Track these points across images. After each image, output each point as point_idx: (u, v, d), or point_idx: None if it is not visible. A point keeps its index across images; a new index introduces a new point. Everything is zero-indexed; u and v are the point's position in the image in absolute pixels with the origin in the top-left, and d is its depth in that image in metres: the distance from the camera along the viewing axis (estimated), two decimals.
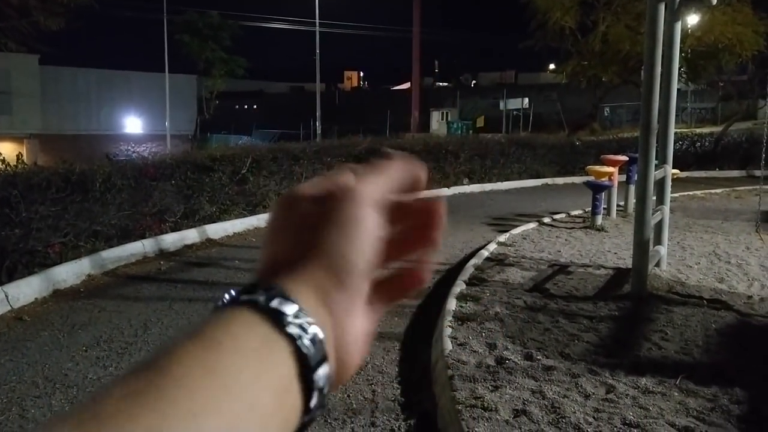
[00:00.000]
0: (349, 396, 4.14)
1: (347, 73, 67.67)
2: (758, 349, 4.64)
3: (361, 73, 70.37)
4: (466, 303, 5.70)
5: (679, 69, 20.83)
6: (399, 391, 4.24)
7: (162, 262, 7.85)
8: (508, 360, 4.37)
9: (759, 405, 3.71)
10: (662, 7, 5.97)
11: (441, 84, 57.92)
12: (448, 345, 4.64)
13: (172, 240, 8.50)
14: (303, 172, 11.46)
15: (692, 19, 18.68)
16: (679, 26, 6.84)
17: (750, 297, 5.95)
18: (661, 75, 6.41)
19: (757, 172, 14.91)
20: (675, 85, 6.93)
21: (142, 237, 8.15)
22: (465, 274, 6.67)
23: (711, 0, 6.84)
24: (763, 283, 6.39)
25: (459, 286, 6.20)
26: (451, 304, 5.60)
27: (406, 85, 40.59)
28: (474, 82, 60.30)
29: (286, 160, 11.27)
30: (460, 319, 5.23)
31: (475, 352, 4.53)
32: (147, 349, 5.03)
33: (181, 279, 7.19)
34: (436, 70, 65.15)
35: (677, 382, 3.97)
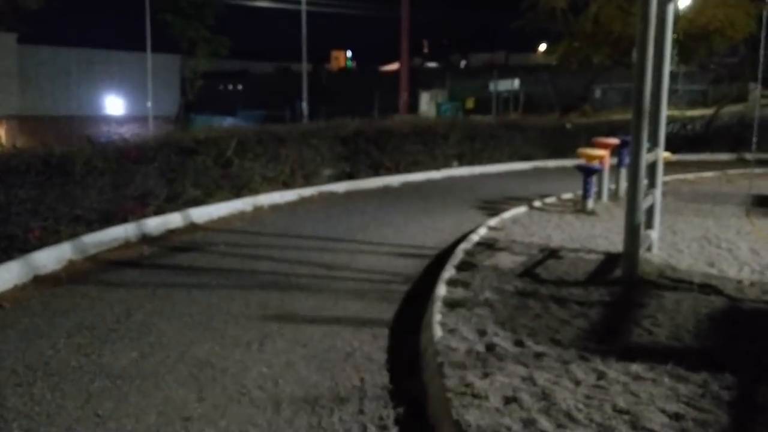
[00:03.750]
0: (336, 384, 4.07)
1: (334, 53, 66.96)
2: (748, 335, 4.60)
3: (350, 53, 69.75)
4: (456, 288, 5.63)
5: (671, 51, 20.71)
6: (388, 378, 4.17)
7: (145, 247, 7.73)
8: (499, 346, 4.31)
9: (749, 391, 3.67)
10: None
11: (430, 65, 57.55)
12: (438, 331, 4.57)
13: (155, 224, 8.37)
14: (289, 155, 11.33)
15: (684, 1, 18.58)
16: (671, 8, 6.74)
17: (740, 281, 5.92)
18: (653, 57, 6.32)
19: (748, 156, 14.94)
20: (667, 68, 6.85)
21: (125, 221, 8.01)
22: (455, 259, 6.60)
23: None
24: (754, 268, 6.36)
25: (449, 272, 6.13)
26: (441, 290, 5.53)
27: (395, 66, 40.27)
28: (464, 62, 59.93)
29: (272, 143, 11.13)
30: (450, 304, 5.16)
31: (465, 338, 4.46)
32: (130, 336, 4.93)
33: (164, 264, 7.09)
34: (426, 51, 64.76)
35: (668, 368, 3.91)
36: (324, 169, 12.15)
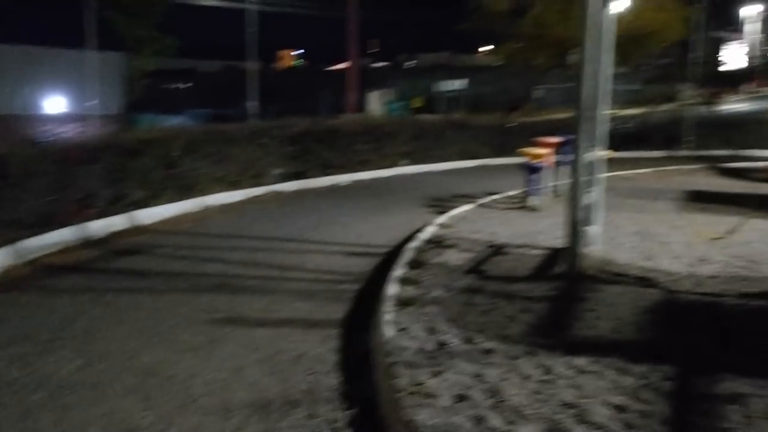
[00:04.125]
0: (287, 387, 4.08)
1: (280, 53, 66.48)
2: (684, 325, 4.81)
3: (298, 53, 69.33)
4: (406, 287, 5.69)
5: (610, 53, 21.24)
6: (339, 379, 4.20)
7: (88, 251, 7.56)
8: (449, 344, 4.39)
9: (687, 381, 3.84)
10: None
11: (379, 64, 57.65)
12: (388, 331, 4.62)
13: (98, 227, 8.19)
14: (238, 154, 11.23)
15: (624, 5, 19.14)
16: (609, 12, 6.94)
17: (676, 274, 6.15)
18: (594, 59, 6.51)
19: (681, 152, 15.54)
20: (608, 69, 7.05)
21: (67, 224, 7.81)
22: (405, 257, 6.67)
23: None
24: (688, 261, 6.62)
25: (399, 270, 6.19)
26: (391, 289, 5.59)
27: (343, 65, 40.21)
28: (412, 62, 60.24)
29: (220, 142, 11.00)
30: (400, 303, 5.22)
31: (415, 337, 4.53)
32: (72, 344, 4.82)
33: (108, 268, 6.94)
34: (374, 50, 64.78)
35: (610, 362, 4.05)
36: (274, 169, 12.08)
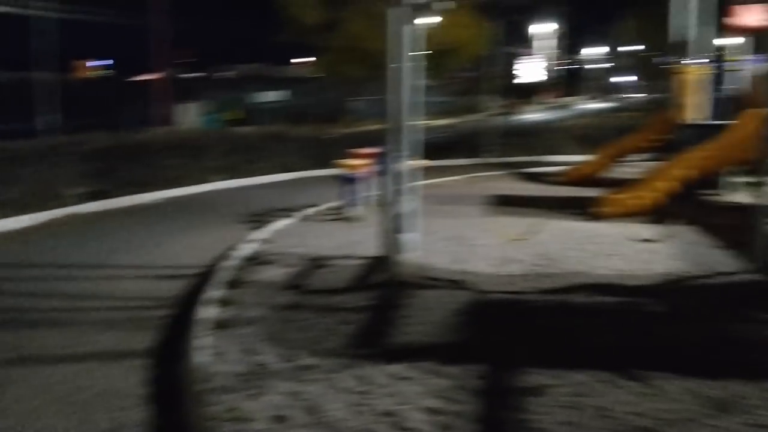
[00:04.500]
0: (87, 429, 3.72)
1: (77, 62, 62.09)
2: (492, 324, 5.08)
3: (102, 63, 65.15)
4: (221, 308, 5.49)
5: (423, 66, 22.18)
6: (148, 414, 3.93)
7: None
8: (266, 364, 4.28)
9: (496, 377, 4.05)
10: (398, 11, 6.27)
11: (192, 75, 55.86)
12: (202, 356, 4.42)
13: None
14: (29, 175, 10.24)
15: (430, 22, 20.12)
16: (416, 29, 7.23)
17: (484, 275, 6.51)
18: (404, 72, 6.74)
19: (488, 160, 16.59)
20: (418, 81, 7.32)
21: None
22: (220, 277, 6.44)
23: (443, 5, 7.32)
24: (496, 262, 7.04)
25: (213, 291, 5.96)
26: (205, 311, 5.36)
27: (153, 76, 38.38)
28: (227, 73, 59.12)
29: (4, 161, 9.95)
30: (215, 326, 5.02)
31: (231, 360, 4.37)
32: None
33: None
34: (186, 60, 62.64)
35: (425, 366, 4.17)
36: (73, 189, 11.15)
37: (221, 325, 5.04)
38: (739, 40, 12.29)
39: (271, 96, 36.08)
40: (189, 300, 6.09)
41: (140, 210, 11.42)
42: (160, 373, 4.54)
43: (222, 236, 8.94)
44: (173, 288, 6.61)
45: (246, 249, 7.73)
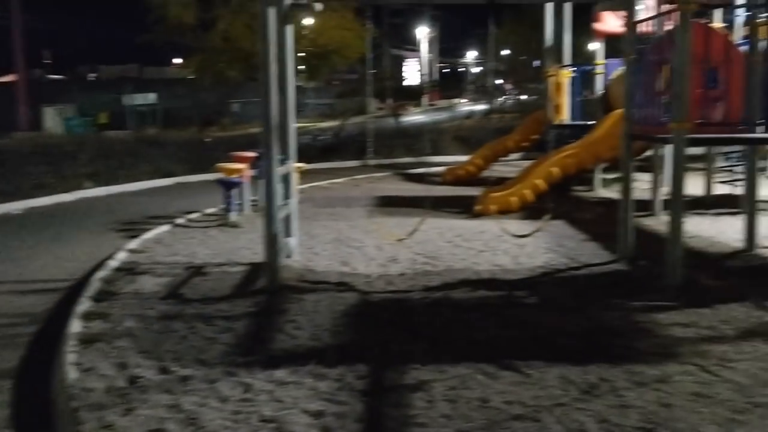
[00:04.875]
0: None
1: None
2: (377, 323, 5.12)
3: None
4: (93, 322, 5.20)
5: (297, 68, 22.12)
6: None
7: None
8: (142, 378, 4.09)
9: (379, 376, 4.08)
10: (273, 11, 6.18)
11: (54, 77, 52.70)
12: (72, 373, 4.17)
13: None
14: None
15: (305, 22, 20.08)
16: (290, 29, 7.17)
17: (369, 276, 6.57)
18: (279, 74, 6.66)
19: (371, 162, 16.76)
20: (292, 84, 7.26)
21: None
22: (90, 290, 6.10)
23: (316, 6, 7.31)
24: (379, 262, 7.11)
25: (83, 304, 5.64)
26: (74, 326, 5.06)
27: (10, 78, 35.81)
28: (94, 75, 56.20)
29: None
30: (86, 341, 4.75)
31: (103, 375, 4.14)
32: None
33: None
34: (48, 61, 59.12)
35: (309, 369, 4.15)
36: None
37: (94, 339, 4.78)
38: (599, 44, 13.07)
39: (144, 98, 34.62)
40: (60, 314, 5.74)
41: (5, 221, 10.62)
42: (27, 394, 4.24)
43: (95, 246, 8.49)
44: (40, 303, 6.20)
45: (120, 259, 7.37)
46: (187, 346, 4.62)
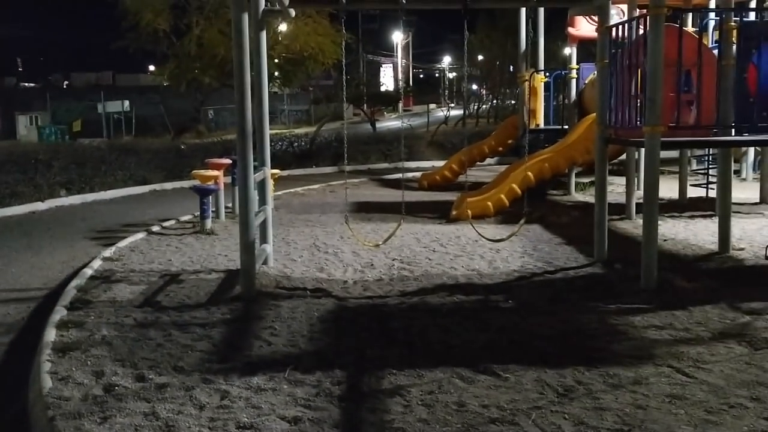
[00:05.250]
0: None
1: None
2: (353, 329, 5.12)
3: None
4: (68, 331, 5.14)
5: (272, 74, 22.08)
6: None
7: None
8: (118, 386, 4.05)
9: (356, 382, 4.08)
10: (246, 17, 6.16)
11: (27, 84, 52.07)
12: (47, 382, 4.12)
13: None
14: None
15: (280, 29, 20.05)
16: (264, 35, 7.16)
17: (345, 282, 6.57)
18: (253, 80, 6.65)
19: (347, 167, 16.75)
20: (266, 90, 7.25)
21: None
22: (65, 299, 6.02)
23: (290, 13, 7.30)
24: (356, 268, 7.11)
25: (58, 313, 5.57)
26: (50, 335, 4.99)
27: None
28: (66, 82, 55.56)
29: None
30: (61, 350, 4.69)
31: (79, 384, 4.10)
32: None
33: None
34: (21, 69, 58.41)
35: (286, 375, 4.14)
36: None
37: (70, 347, 4.73)
38: (573, 48, 13.23)
39: (119, 105, 34.31)
40: (35, 323, 5.67)
41: None
42: (4, 403, 4.18)
43: (67, 255, 8.39)
44: (13, 312, 6.12)
45: (96, 267, 7.29)
46: (163, 354, 4.58)
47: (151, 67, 29.27)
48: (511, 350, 4.57)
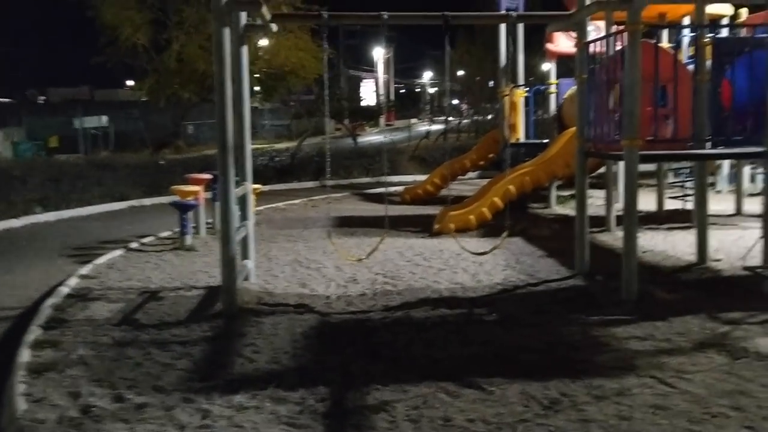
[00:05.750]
0: None
1: None
2: (337, 345, 5.07)
3: None
4: (44, 351, 5.02)
5: (253, 89, 22.05)
6: None
7: None
8: (95, 407, 3.96)
9: (340, 398, 4.03)
10: (227, 31, 6.14)
11: (3, 100, 51.47)
12: (22, 404, 4.01)
13: None
14: None
15: (261, 44, 20.04)
16: (245, 50, 7.14)
17: (328, 297, 6.51)
18: (235, 95, 6.61)
19: (328, 182, 16.71)
20: (248, 105, 7.21)
21: None
22: (41, 317, 5.90)
23: (272, 27, 7.28)
24: (338, 283, 7.06)
25: (33, 333, 5.45)
26: (24, 355, 4.88)
27: None
28: (43, 98, 55.04)
29: None
30: (36, 371, 4.58)
31: (55, 406, 4.00)
32: None
33: None
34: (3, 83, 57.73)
35: (269, 393, 4.07)
36: None
37: (45, 368, 4.62)
38: (552, 64, 13.37)
39: (96, 121, 33.99)
40: (9, 343, 5.52)
41: None
42: None
43: (46, 272, 8.24)
44: None
45: (72, 285, 7.16)
46: (142, 373, 4.50)
47: (130, 82, 29.01)
48: (496, 363, 4.55)
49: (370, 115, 44.07)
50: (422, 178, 16.29)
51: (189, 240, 9.31)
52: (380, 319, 5.75)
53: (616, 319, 5.48)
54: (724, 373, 4.26)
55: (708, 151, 7.03)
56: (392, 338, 5.17)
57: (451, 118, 36.85)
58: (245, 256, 7.16)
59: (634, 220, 6.15)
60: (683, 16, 10.11)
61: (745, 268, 6.29)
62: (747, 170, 12.19)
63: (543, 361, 4.58)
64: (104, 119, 34.00)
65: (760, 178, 13.04)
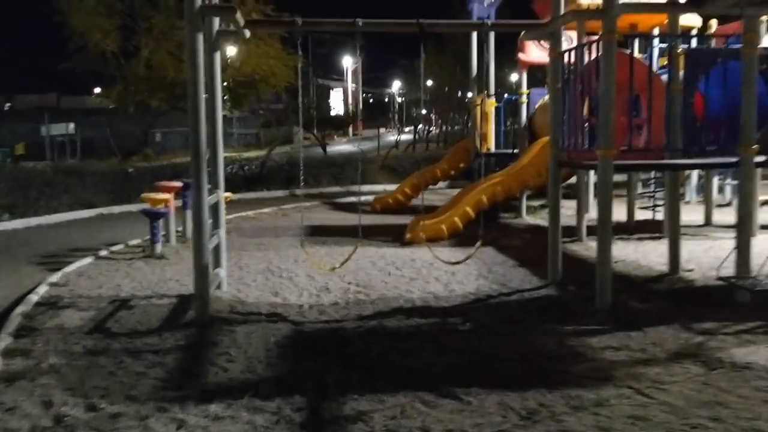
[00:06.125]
0: None
1: None
2: (311, 354, 5.04)
3: None
4: (14, 359, 4.92)
5: (223, 97, 21.90)
6: None
7: None
8: (68, 416, 3.89)
9: (317, 408, 4.00)
10: (200, 37, 6.09)
11: None
12: None
13: None
14: None
15: (231, 51, 19.89)
16: (218, 56, 7.09)
17: (301, 306, 6.48)
18: (207, 102, 6.55)
19: (298, 191, 16.66)
20: (220, 112, 7.17)
21: None
22: (10, 326, 5.77)
23: (244, 34, 7.25)
24: (311, 292, 7.03)
25: (3, 341, 5.33)
26: None
27: None
28: (9, 104, 53.95)
29: None
30: (7, 379, 4.48)
31: (27, 415, 3.92)
32: None
33: None
34: None
35: (244, 402, 4.03)
36: None
37: (16, 377, 4.53)
38: (523, 74, 13.51)
39: (63, 128, 33.43)
40: None
41: None
42: None
43: (10, 281, 8.06)
44: None
45: (42, 293, 7.02)
46: (115, 382, 4.42)
47: (98, 90, 28.59)
48: (472, 373, 4.56)
49: (338, 125, 44.07)
50: (392, 187, 16.34)
51: (159, 248, 9.19)
52: (354, 328, 5.74)
53: (591, 329, 5.53)
54: (701, 383, 4.30)
55: (682, 161, 7.14)
56: (367, 347, 5.16)
57: (420, 127, 37.03)
58: (217, 264, 7.10)
59: (608, 230, 6.21)
60: (654, 26, 10.29)
61: (719, 278, 6.40)
62: (715, 181, 12.44)
63: (519, 370, 4.60)
64: (71, 126, 33.45)
65: (728, 189, 13.37)
